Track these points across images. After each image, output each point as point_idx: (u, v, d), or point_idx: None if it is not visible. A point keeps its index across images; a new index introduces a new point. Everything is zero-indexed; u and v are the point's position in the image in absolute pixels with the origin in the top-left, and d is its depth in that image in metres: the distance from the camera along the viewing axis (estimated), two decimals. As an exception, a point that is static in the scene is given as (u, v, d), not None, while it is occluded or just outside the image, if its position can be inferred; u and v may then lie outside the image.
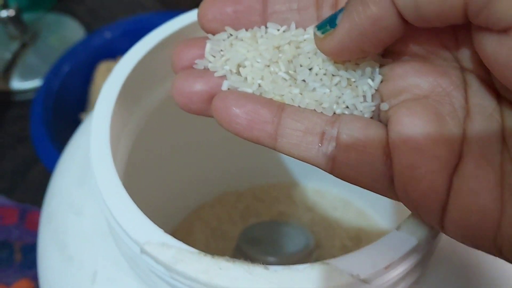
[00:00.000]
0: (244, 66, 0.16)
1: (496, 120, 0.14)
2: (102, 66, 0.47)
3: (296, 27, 0.16)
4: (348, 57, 0.15)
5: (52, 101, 0.43)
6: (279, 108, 0.16)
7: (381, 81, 0.16)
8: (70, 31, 0.55)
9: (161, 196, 0.34)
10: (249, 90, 0.16)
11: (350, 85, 0.16)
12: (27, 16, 0.54)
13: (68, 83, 0.45)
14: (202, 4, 0.17)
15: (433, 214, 0.14)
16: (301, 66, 0.16)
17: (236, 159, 0.37)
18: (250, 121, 0.15)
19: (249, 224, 0.37)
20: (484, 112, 0.14)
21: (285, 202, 0.39)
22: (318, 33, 0.15)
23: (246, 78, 0.16)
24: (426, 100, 0.14)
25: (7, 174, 0.46)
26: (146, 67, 0.21)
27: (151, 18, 0.50)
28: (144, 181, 0.28)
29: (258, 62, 0.16)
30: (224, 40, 0.17)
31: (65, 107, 0.45)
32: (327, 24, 0.14)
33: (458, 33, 0.15)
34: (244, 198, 0.39)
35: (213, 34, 0.17)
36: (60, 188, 0.20)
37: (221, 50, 0.16)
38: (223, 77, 0.16)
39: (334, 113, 0.15)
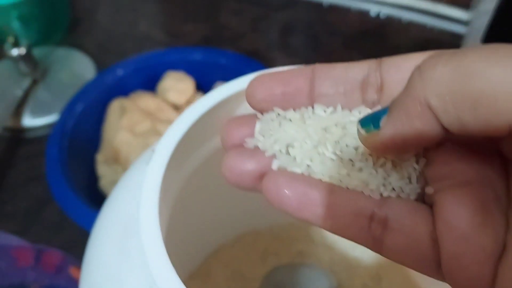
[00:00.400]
0: (293, 147, 0.16)
1: None
2: (115, 104, 0.47)
3: (342, 109, 0.17)
4: (391, 155, 0.16)
5: (66, 140, 0.43)
6: (328, 189, 0.16)
7: (425, 164, 0.16)
8: (80, 66, 0.56)
9: (181, 239, 0.34)
10: (298, 171, 0.16)
11: (395, 166, 0.16)
12: (36, 51, 0.55)
13: (81, 121, 0.45)
14: (250, 84, 0.17)
15: None
16: (347, 146, 0.16)
17: (254, 200, 0.37)
18: (300, 203, 0.16)
19: (268, 266, 0.37)
20: None
21: (304, 241, 0.39)
22: (362, 131, 0.15)
23: (295, 158, 0.16)
24: (470, 187, 0.15)
25: (20, 213, 0.45)
26: (196, 130, 0.21)
27: (161, 55, 0.50)
28: (169, 228, 0.28)
29: (306, 143, 0.16)
30: (273, 120, 0.17)
31: (79, 146, 0.45)
32: (371, 123, 0.15)
33: None
34: (262, 238, 0.39)
35: (261, 112, 0.17)
36: (99, 256, 0.19)
37: (271, 130, 0.17)
38: (273, 156, 0.16)
39: (381, 195, 0.16)
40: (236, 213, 0.38)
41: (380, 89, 0.16)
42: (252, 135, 0.17)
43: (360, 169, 0.16)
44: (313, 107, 0.17)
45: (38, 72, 0.53)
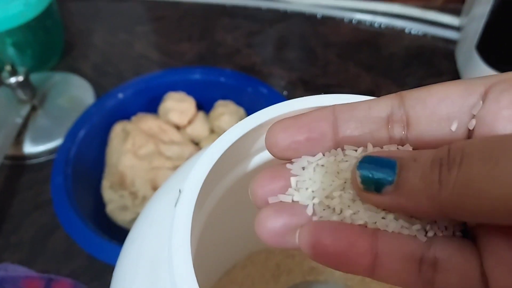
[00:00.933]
0: (333, 197, 0.16)
1: None
2: (117, 128, 0.47)
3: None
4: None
5: (71, 167, 0.43)
6: (374, 236, 0.15)
7: None
8: (78, 89, 0.56)
9: (196, 262, 0.34)
10: (337, 219, 0.16)
11: None
12: (33, 77, 0.54)
13: (84, 147, 0.45)
14: (271, 131, 0.17)
15: None
16: None
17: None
18: (346, 256, 0.15)
19: (283, 285, 0.37)
20: None
21: (315, 257, 0.39)
22: (360, 185, 0.15)
23: (334, 209, 0.16)
24: None
25: (26, 243, 0.45)
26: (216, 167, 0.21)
27: (160, 76, 0.50)
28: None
29: (345, 190, 0.16)
30: (305, 169, 0.16)
31: (83, 171, 0.45)
32: (373, 184, 0.15)
33: None
34: (274, 255, 0.39)
35: (285, 160, 0.17)
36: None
37: (305, 181, 0.16)
38: (313, 210, 0.16)
39: (426, 235, 0.16)
40: (248, 233, 0.38)
41: (407, 125, 0.16)
42: (285, 188, 0.16)
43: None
44: (342, 149, 0.17)
45: (36, 99, 0.52)
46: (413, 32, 0.62)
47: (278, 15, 0.64)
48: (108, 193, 0.44)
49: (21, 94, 0.51)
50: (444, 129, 0.16)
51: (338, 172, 0.16)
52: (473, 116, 0.16)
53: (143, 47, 0.62)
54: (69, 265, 0.44)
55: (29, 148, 0.50)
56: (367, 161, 0.15)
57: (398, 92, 0.17)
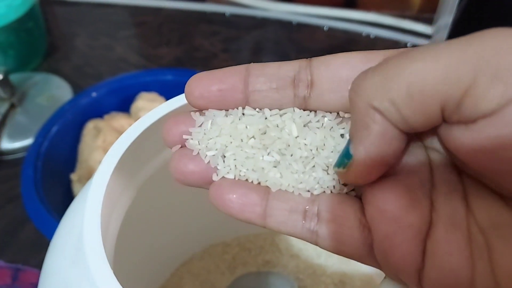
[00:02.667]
0: (227, 154, 0.18)
1: (459, 190, 0.16)
2: (89, 125, 0.48)
3: (274, 107, 0.18)
4: (377, 176, 0.17)
5: (41, 161, 0.45)
6: (266, 191, 0.18)
7: None
8: (57, 90, 0.57)
9: (150, 252, 0.36)
10: (232, 177, 0.18)
11: (328, 167, 0.18)
12: (14, 77, 0.56)
13: (57, 143, 0.47)
14: (189, 81, 0.18)
15: (412, 277, 0.16)
16: (279, 149, 0.18)
17: (220, 212, 0.39)
18: (241, 205, 0.18)
19: (236, 276, 0.38)
20: (448, 184, 0.16)
21: (271, 251, 0.40)
22: (340, 169, 0.17)
23: (230, 166, 0.18)
24: (396, 176, 0.17)
25: (-2, 234, 0.47)
26: (140, 146, 0.23)
27: (134, 77, 0.52)
28: (133, 239, 0.30)
29: (239, 149, 0.18)
30: (206, 125, 0.18)
31: (55, 166, 0.46)
32: (344, 159, 0.16)
33: None
34: (230, 248, 0.40)
35: (200, 109, 0.19)
36: (54, 267, 0.21)
37: (204, 136, 0.18)
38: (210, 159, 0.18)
39: (312, 194, 0.18)
40: (205, 225, 0.39)
41: (311, 85, 0.18)
42: (190, 133, 0.18)
43: (292, 172, 0.18)
44: (243, 108, 0.18)
45: (15, 97, 0.54)
46: (386, 39, 0.64)
47: (255, 22, 0.66)
48: (77, 187, 0.45)
49: (0, 92, 0.53)
50: (343, 90, 0.17)
51: (234, 132, 0.18)
52: None
53: (123, 51, 0.64)
54: (37, 256, 0.45)
55: (6, 144, 0.52)
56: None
57: (310, 58, 0.18)
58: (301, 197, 0.18)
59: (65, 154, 0.48)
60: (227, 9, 0.67)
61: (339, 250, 0.17)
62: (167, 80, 0.52)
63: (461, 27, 0.50)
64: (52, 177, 0.46)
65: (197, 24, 0.66)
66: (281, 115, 0.18)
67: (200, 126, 0.18)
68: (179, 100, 0.24)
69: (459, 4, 0.51)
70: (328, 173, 0.18)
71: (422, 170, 0.17)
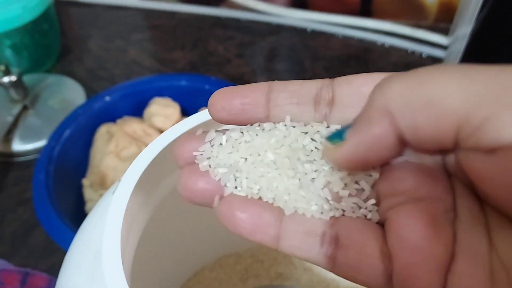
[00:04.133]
0: (241, 172, 0.17)
1: (481, 222, 0.15)
2: (102, 129, 0.48)
3: (294, 120, 0.18)
4: (354, 168, 0.17)
5: (53, 166, 0.44)
6: (280, 211, 0.17)
7: (378, 181, 0.17)
8: (70, 92, 0.57)
9: (163, 264, 0.35)
10: (244, 194, 0.17)
11: (347, 187, 0.17)
12: (27, 78, 0.56)
13: (69, 147, 0.47)
14: (213, 95, 0.18)
15: None
16: (295, 168, 0.17)
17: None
18: (253, 225, 0.17)
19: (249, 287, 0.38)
20: (471, 215, 0.16)
21: (284, 263, 0.40)
22: (328, 144, 0.17)
23: (241, 184, 0.17)
24: (421, 203, 0.16)
25: (7, 237, 0.46)
26: (158, 162, 0.22)
27: (148, 81, 0.52)
28: (147, 253, 0.29)
29: (254, 168, 0.17)
30: (220, 142, 0.18)
31: (67, 171, 0.46)
32: (337, 137, 0.16)
33: None
34: (243, 260, 0.40)
35: (222, 123, 0.18)
36: (70, 283, 0.20)
37: (216, 153, 0.17)
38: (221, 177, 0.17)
39: (332, 217, 0.17)
40: (217, 236, 0.39)
41: (331, 102, 0.18)
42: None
43: (310, 192, 0.17)
44: (261, 124, 0.18)
45: (28, 99, 0.54)
46: (401, 49, 0.63)
47: (270, 28, 0.66)
48: (88, 192, 0.45)
49: (13, 93, 0.53)
50: (363, 105, 0.17)
51: (249, 149, 0.17)
52: None
53: (137, 54, 0.63)
54: (47, 261, 0.45)
55: (18, 146, 0.51)
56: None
57: (332, 78, 0.18)
58: (319, 220, 0.17)
59: (77, 159, 0.48)
60: (242, 15, 0.67)
61: (356, 279, 0.16)
62: (181, 86, 0.51)
63: (480, 38, 0.50)
64: (64, 181, 0.45)
65: (212, 28, 0.66)
66: (301, 132, 0.18)
67: (212, 142, 0.18)
68: (199, 118, 0.24)
69: (479, 14, 0.50)
70: (348, 196, 0.17)
71: (447, 198, 0.16)
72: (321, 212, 0.17)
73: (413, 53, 0.62)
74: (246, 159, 0.17)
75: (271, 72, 0.60)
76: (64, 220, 0.41)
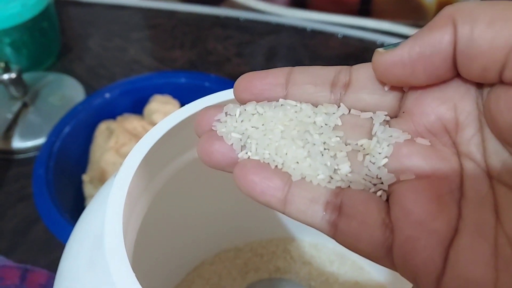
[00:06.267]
0: (250, 140, 0.18)
1: (489, 201, 0.16)
2: (102, 126, 0.48)
3: (310, 102, 0.19)
4: (394, 80, 0.17)
5: (53, 161, 0.44)
6: (289, 178, 0.18)
7: (387, 158, 0.17)
8: (70, 90, 0.57)
9: (162, 257, 0.35)
10: (257, 158, 0.18)
11: (355, 160, 0.17)
12: (27, 76, 0.56)
13: (69, 143, 0.47)
14: (238, 79, 0.19)
15: (430, 283, 0.15)
16: (307, 139, 0.18)
17: (234, 217, 0.39)
18: (263, 187, 0.17)
19: (248, 282, 0.38)
20: (479, 195, 0.16)
21: (283, 257, 0.40)
22: (381, 50, 0.17)
23: (251, 150, 0.18)
24: (427, 180, 0.16)
25: (8, 233, 0.46)
26: (155, 152, 0.22)
27: (148, 78, 0.52)
28: (146, 245, 0.29)
29: (264, 135, 0.18)
30: (232, 115, 0.19)
31: (67, 166, 0.46)
32: (392, 45, 0.17)
33: (459, 116, 0.17)
34: (242, 254, 0.40)
35: (244, 103, 0.19)
36: (69, 270, 0.20)
37: (231, 122, 0.19)
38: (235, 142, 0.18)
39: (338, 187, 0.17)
40: (217, 230, 0.39)
41: (347, 85, 0.18)
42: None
43: (317, 161, 0.17)
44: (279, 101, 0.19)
45: (28, 96, 0.54)
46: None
47: (269, 28, 0.66)
48: (88, 188, 0.45)
49: (13, 90, 0.53)
50: (378, 89, 0.18)
51: (262, 119, 0.18)
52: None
53: (136, 53, 0.64)
54: (47, 257, 0.45)
55: (18, 143, 0.52)
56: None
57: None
58: (325, 188, 0.17)
59: (77, 155, 0.48)
60: (241, 14, 0.67)
61: (356, 247, 0.17)
62: (180, 83, 0.52)
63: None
64: (64, 177, 0.45)
65: (211, 28, 0.66)
66: (312, 110, 0.19)
67: (228, 112, 0.19)
68: (196, 106, 0.24)
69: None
70: (354, 168, 0.17)
71: (454, 177, 0.16)
72: (328, 182, 0.17)
73: (411, 52, 0.63)
74: (257, 128, 0.18)
75: (270, 70, 0.60)
76: (65, 216, 0.41)
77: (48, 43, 0.60)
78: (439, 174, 0.17)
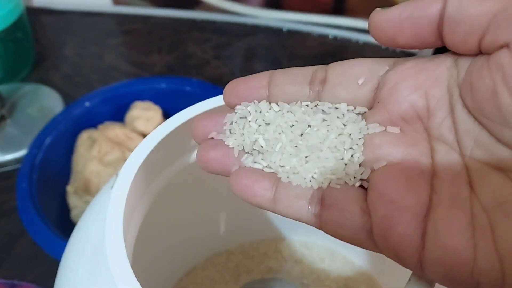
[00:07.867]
0: (248, 144, 0.20)
1: (463, 176, 0.17)
2: (83, 135, 0.48)
3: (291, 100, 0.20)
4: (384, 34, 0.18)
5: (36, 174, 0.44)
6: (277, 179, 0.20)
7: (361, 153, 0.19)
8: (48, 100, 0.56)
9: (153, 263, 0.35)
10: (260, 167, 0.20)
11: (334, 161, 0.19)
12: (2, 88, 0.55)
13: (51, 154, 0.46)
14: (226, 86, 0.21)
15: (412, 257, 0.16)
16: (291, 140, 0.19)
17: (225, 220, 0.39)
18: (254, 190, 0.19)
19: (241, 284, 0.38)
20: (452, 172, 0.17)
21: (274, 257, 0.40)
22: (378, 9, 0.18)
23: (247, 160, 0.20)
24: (398, 165, 0.18)
25: (-8, 249, 0.45)
26: (150, 158, 0.22)
27: (128, 85, 0.51)
28: (142, 251, 0.29)
29: (265, 141, 0.20)
30: (235, 122, 0.20)
31: (50, 178, 0.45)
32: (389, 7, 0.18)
33: (430, 102, 0.18)
34: (234, 256, 0.40)
35: (232, 107, 0.21)
36: (69, 284, 0.20)
37: (233, 130, 0.20)
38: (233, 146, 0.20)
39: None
40: (207, 234, 0.39)
41: (324, 81, 0.20)
42: (218, 129, 0.21)
43: (301, 162, 0.19)
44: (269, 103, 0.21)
45: (5, 109, 0.53)
46: (375, 45, 0.64)
47: (246, 29, 0.66)
48: (73, 199, 0.45)
49: (-11, 104, 0.52)
50: (353, 83, 0.20)
51: (262, 127, 0.20)
52: (379, 78, 0.19)
53: (113, 59, 0.63)
54: (34, 271, 0.44)
55: (-3, 157, 0.51)
56: None
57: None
58: (307, 186, 0.19)
59: (60, 166, 0.47)
60: (218, 17, 0.67)
61: (340, 234, 0.18)
62: (161, 89, 0.51)
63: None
64: (47, 189, 0.45)
65: (188, 31, 0.66)
66: (299, 107, 0.20)
67: (225, 120, 0.21)
68: (193, 111, 0.24)
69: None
70: (336, 164, 0.19)
71: (424, 160, 0.18)
72: (311, 181, 0.19)
73: (386, 49, 0.64)
74: (255, 140, 0.20)
75: (250, 72, 0.59)
76: (51, 227, 0.41)
77: (22, 53, 0.59)
78: (409, 159, 0.18)
